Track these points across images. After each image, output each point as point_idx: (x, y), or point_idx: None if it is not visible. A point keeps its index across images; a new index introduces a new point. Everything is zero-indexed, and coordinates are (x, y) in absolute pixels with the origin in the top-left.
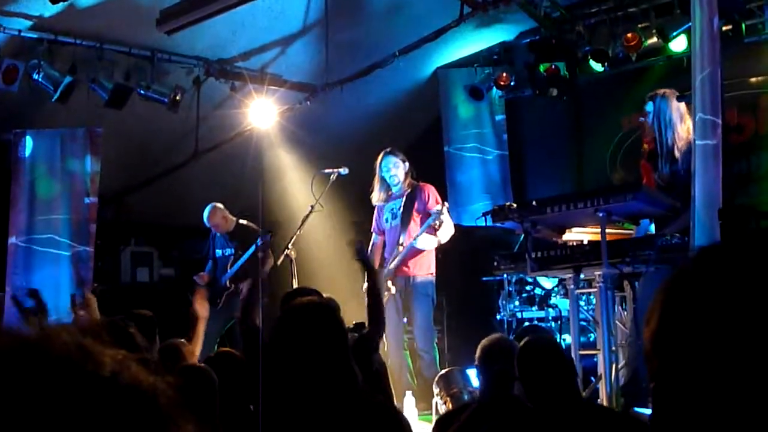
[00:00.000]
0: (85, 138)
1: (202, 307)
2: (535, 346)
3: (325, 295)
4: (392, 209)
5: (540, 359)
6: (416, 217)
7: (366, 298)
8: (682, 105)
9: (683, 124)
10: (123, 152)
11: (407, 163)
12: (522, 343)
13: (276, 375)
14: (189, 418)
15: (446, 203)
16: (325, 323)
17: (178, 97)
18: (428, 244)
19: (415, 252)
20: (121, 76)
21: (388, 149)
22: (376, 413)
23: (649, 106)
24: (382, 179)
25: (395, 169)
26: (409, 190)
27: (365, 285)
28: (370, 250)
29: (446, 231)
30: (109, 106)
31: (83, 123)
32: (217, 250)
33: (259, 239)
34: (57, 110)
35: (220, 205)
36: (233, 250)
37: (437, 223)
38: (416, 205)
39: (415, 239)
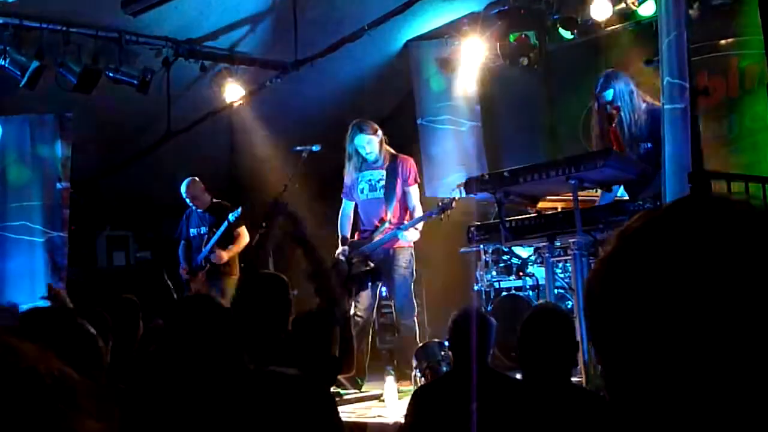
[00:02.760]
0: (55, 123)
1: None
2: (545, 312)
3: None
4: (369, 180)
5: (547, 326)
6: (399, 192)
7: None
8: (627, 78)
9: (635, 96)
10: (94, 136)
11: (380, 133)
12: (534, 308)
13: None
14: (104, 412)
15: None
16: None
17: (147, 79)
18: (412, 236)
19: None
20: (89, 59)
21: (355, 124)
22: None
23: (609, 94)
24: (356, 153)
25: (369, 146)
26: (389, 162)
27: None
28: (341, 217)
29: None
30: (77, 90)
31: (53, 108)
32: (191, 230)
33: (231, 215)
34: (25, 96)
35: (197, 179)
36: (207, 229)
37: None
38: (399, 180)
39: (400, 230)
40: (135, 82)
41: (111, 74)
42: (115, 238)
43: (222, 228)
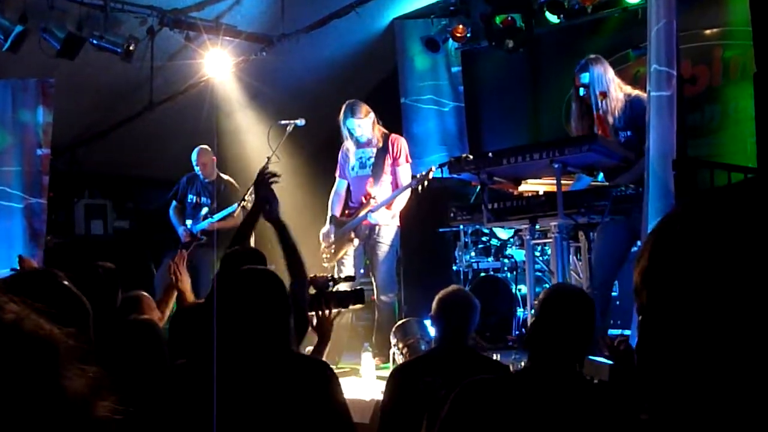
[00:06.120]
0: (37, 89)
1: (184, 277)
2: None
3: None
4: (361, 158)
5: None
6: (388, 171)
7: (285, 256)
8: (607, 65)
9: (614, 85)
10: (76, 103)
11: (372, 114)
12: (552, 288)
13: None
14: (86, 368)
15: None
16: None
17: (131, 48)
18: (384, 217)
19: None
20: (73, 25)
21: (348, 106)
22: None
23: (585, 77)
24: (350, 134)
25: (360, 129)
26: (381, 143)
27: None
28: (332, 196)
29: (400, 203)
30: (61, 56)
31: (35, 73)
32: (189, 195)
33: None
34: (8, 60)
35: (208, 147)
36: (209, 200)
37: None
38: (388, 159)
39: (372, 211)
40: (119, 50)
41: (95, 41)
42: (94, 207)
43: (229, 210)
